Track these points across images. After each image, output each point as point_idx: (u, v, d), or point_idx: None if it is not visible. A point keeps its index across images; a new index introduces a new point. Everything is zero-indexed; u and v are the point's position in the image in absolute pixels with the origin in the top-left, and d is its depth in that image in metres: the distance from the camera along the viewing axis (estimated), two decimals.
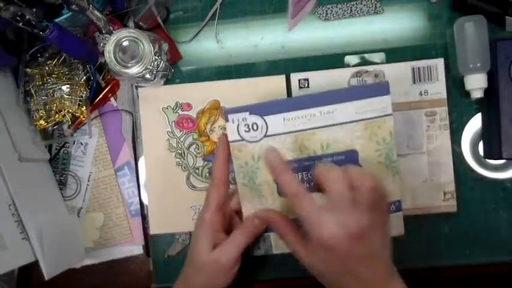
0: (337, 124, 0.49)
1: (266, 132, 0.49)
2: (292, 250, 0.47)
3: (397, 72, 0.58)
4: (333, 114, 0.48)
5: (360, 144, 0.49)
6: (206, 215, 0.50)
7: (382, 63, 0.59)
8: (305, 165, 0.49)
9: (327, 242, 0.40)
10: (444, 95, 0.58)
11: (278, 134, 0.49)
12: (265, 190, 0.50)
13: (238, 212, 0.53)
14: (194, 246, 0.50)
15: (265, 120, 0.49)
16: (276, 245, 0.51)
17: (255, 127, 0.49)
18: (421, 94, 0.58)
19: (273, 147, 0.49)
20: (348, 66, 0.59)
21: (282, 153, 0.49)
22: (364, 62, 0.59)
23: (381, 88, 0.49)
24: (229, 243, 0.49)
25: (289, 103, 0.49)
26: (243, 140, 0.49)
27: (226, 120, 0.49)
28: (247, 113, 0.49)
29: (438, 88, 0.58)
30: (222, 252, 0.48)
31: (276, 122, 0.49)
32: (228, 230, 0.52)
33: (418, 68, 0.58)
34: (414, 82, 0.58)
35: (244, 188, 0.50)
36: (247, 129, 0.49)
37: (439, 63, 0.58)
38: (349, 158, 0.49)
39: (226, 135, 0.50)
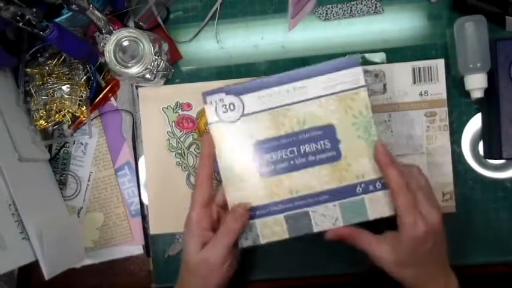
0: (310, 99, 0.50)
1: (243, 111, 0.51)
2: (368, 249, 0.48)
3: (398, 72, 0.58)
4: (305, 89, 0.50)
5: (336, 118, 0.50)
6: (192, 214, 0.50)
7: (382, 63, 0.59)
8: (284, 143, 0.50)
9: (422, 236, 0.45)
10: (444, 95, 0.58)
11: (255, 113, 0.51)
12: (246, 173, 0.50)
13: (225, 209, 0.53)
14: (184, 247, 0.51)
15: (241, 100, 0.50)
16: (263, 234, 0.51)
17: (232, 107, 0.51)
18: (421, 94, 0.58)
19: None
20: None
21: (259, 131, 0.50)
22: (365, 62, 0.59)
23: (351, 61, 0.50)
24: (215, 240, 0.49)
25: (264, 81, 0.51)
26: (221, 121, 0.51)
27: (205, 102, 0.51)
28: (224, 93, 0.51)
29: (438, 89, 0.58)
30: (209, 250, 0.48)
31: (252, 100, 0.50)
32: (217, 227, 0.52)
33: (419, 68, 0.58)
34: (414, 82, 0.58)
35: (225, 172, 0.51)
36: (224, 110, 0.51)
37: (439, 63, 0.58)
38: (327, 133, 0.50)
39: (210, 135, 0.51)
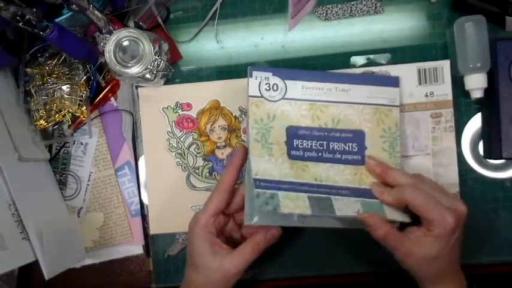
0: (349, 103, 0.53)
1: (284, 94, 0.53)
2: (396, 247, 0.47)
3: (403, 73, 0.57)
4: (347, 93, 0.53)
5: (368, 127, 0.53)
6: (201, 218, 0.50)
7: (387, 64, 0.59)
8: (316, 135, 0.52)
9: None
10: (450, 96, 0.58)
11: (295, 99, 0.53)
12: (276, 150, 0.51)
13: (235, 217, 0.53)
14: (194, 250, 0.50)
15: (285, 84, 0.53)
16: (285, 204, 0.47)
17: (275, 88, 0.53)
18: (426, 96, 0.58)
19: None
20: (354, 66, 0.59)
21: (294, 117, 0.53)
22: (370, 63, 0.59)
23: (392, 80, 0.55)
24: (239, 255, 0.49)
25: (310, 74, 0.54)
26: (262, 97, 0.53)
27: (250, 76, 0.52)
28: (271, 73, 0.53)
29: (444, 90, 0.58)
30: (232, 263, 0.48)
31: (295, 87, 0.53)
32: (221, 233, 0.52)
33: (424, 70, 0.58)
34: (420, 83, 0.58)
35: (256, 143, 0.51)
36: (267, 88, 0.53)
37: (445, 65, 0.58)
38: (357, 137, 0.53)
39: (245, 147, 0.52)
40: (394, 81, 0.54)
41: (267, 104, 0.52)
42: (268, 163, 0.51)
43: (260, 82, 0.53)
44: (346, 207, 0.49)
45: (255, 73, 0.53)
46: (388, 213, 0.49)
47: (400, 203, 0.47)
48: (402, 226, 0.49)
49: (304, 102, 0.53)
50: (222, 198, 0.50)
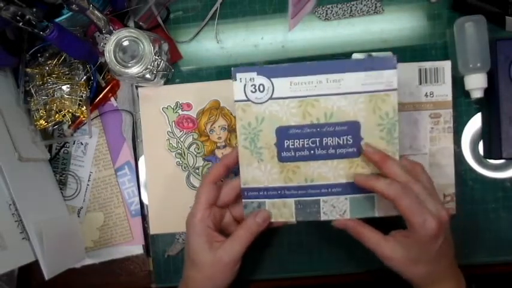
0: (342, 93, 0.50)
1: (272, 94, 0.50)
2: (374, 246, 0.47)
3: (404, 72, 0.57)
4: (339, 83, 0.49)
5: (363, 116, 0.50)
6: (196, 213, 0.50)
7: None
8: (307, 132, 0.50)
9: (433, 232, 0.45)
10: (449, 97, 0.57)
11: (283, 98, 0.50)
12: (265, 154, 0.51)
13: (230, 209, 0.53)
14: (190, 246, 0.50)
15: (272, 83, 0.50)
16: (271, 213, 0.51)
17: (261, 88, 0.50)
18: (426, 96, 0.58)
19: None
20: None
21: (284, 117, 0.50)
22: None
23: (387, 62, 0.49)
24: (231, 241, 0.49)
25: (298, 68, 0.50)
26: (248, 100, 0.50)
27: (234, 79, 0.50)
28: (255, 73, 0.50)
29: (444, 90, 0.57)
30: (225, 251, 0.48)
31: (283, 85, 0.50)
32: (219, 228, 0.52)
33: (425, 69, 0.57)
34: (420, 83, 0.58)
35: (244, 150, 0.51)
36: (253, 90, 0.50)
37: (446, 65, 0.57)
38: (351, 129, 0.50)
39: None
40: (390, 63, 0.49)
41: (254, 107, 0.50)
42: (256, 170, 0.51)
43: (245, 84, 0.50)
44: (333, 209, 0.50)
45: (239, 75, 0.50)
46: (378, 209, 0.50)
47: (385, 196, 0.47)
48: (388, 229, 0.49)
49: (293, 99, 0.50)
50: (210, 189, 0.50)
